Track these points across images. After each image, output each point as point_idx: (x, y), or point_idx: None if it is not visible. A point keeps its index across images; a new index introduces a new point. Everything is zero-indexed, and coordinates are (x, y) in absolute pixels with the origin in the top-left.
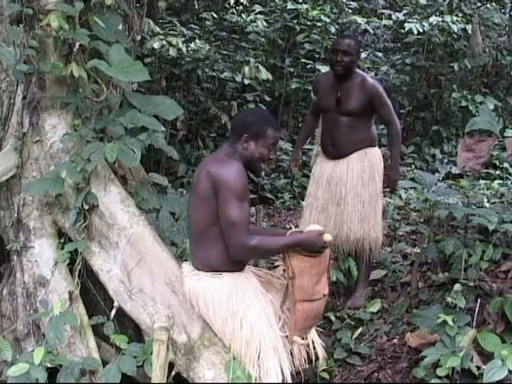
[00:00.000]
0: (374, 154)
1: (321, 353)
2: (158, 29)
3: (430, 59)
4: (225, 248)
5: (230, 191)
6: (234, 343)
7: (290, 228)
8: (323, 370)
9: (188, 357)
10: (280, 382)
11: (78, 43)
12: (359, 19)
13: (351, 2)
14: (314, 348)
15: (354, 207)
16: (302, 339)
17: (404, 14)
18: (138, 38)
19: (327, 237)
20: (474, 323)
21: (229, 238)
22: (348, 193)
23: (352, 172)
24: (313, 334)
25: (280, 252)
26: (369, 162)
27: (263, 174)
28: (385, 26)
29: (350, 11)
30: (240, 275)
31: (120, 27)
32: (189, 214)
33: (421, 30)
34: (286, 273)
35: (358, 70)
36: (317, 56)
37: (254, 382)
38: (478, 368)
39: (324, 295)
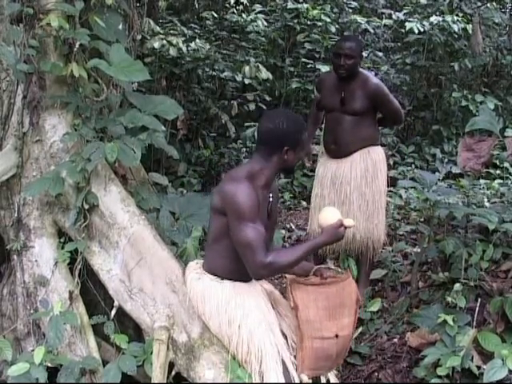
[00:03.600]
0: (377, 153)
1: None
2: (158, 28)
3: (431, 59)
4: (232, 260)
5: (238, 214)
6: (231, 348)
7: (291, 228)
8: None
9: (188, 356)
10: None
11: (78, 43)
12: (359, 19)
13: (351, 2)
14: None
15: (359, 206)
16: (311, 379)
17: (404, 14)
18: (138, 37)
19: (349, 222)
20: (475, 323)
21: (246, 260)
22: (352, 192)
23: (355, 171)
24: (331, 377)
25: (302, 260)
26: (372, 160)
27: None
28: (385, 25)
29: (351, 11)
30: (242, 284)
31: (120, 27)
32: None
33: (421, 30)
34: (289, 303)
35: (361, 70)
36: (317, 56)
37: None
38: (479, 368)
39: (337, 335)
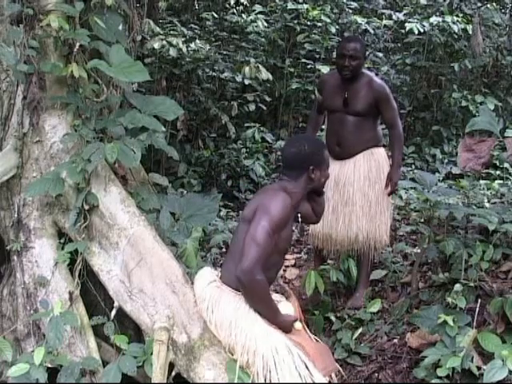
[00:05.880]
0: (380, 154)
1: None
2: (158, 29)
3: (431, 59)
4: None
5: (267, 216)
6: (237, 353)
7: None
8: None
9: (188, 357)
10: None
11: (78, 43)
12: (359, 19)
13: (351, 2)
14: None
15: (362, 207)
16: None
17: (404, 14)
18: (139, 38)
19: (298, 325)
20: (475, 323)
21: (246, 254)
22: (355, 193)
23: (359, 172)
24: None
25: (264, 314)
26: (375, 161)
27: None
28: (385, 26)
29: (351, 11)
30: None
31: (120, 27)
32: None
33: (421, 30)
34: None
35: (364, 70)
36: (317, 56)
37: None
38: (479, 368)
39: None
